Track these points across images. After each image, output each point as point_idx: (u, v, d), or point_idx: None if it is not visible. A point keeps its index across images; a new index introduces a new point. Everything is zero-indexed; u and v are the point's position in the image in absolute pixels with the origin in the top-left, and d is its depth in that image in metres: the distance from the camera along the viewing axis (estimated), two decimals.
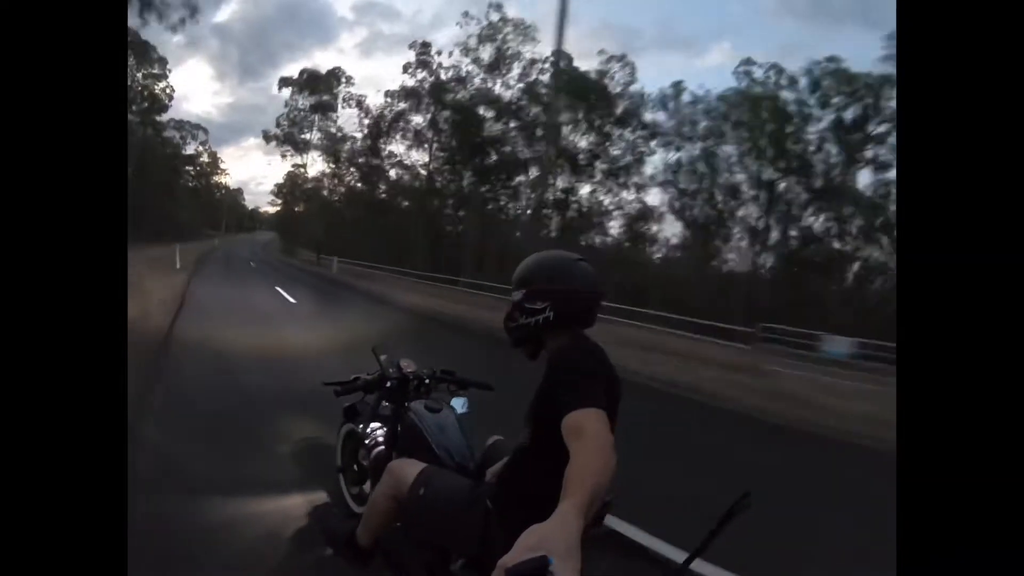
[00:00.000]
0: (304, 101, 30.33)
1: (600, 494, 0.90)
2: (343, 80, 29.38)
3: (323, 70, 30.20)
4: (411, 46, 26.75)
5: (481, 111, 23.82)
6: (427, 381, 2.03)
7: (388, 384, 1.98)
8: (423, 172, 25.80)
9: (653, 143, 22.97)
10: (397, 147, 27.00)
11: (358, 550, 1.70)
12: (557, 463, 0.95)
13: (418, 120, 25.96)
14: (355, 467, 2.26)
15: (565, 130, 21.98)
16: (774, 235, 21.01)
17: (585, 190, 23.95)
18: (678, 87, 22.58)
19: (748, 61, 21.49)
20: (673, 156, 22.61)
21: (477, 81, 24.53)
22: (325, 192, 30.17)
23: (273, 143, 31.93)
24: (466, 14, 25.21)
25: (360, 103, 28.44)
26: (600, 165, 23.29)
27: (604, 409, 1.06)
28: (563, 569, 0.65)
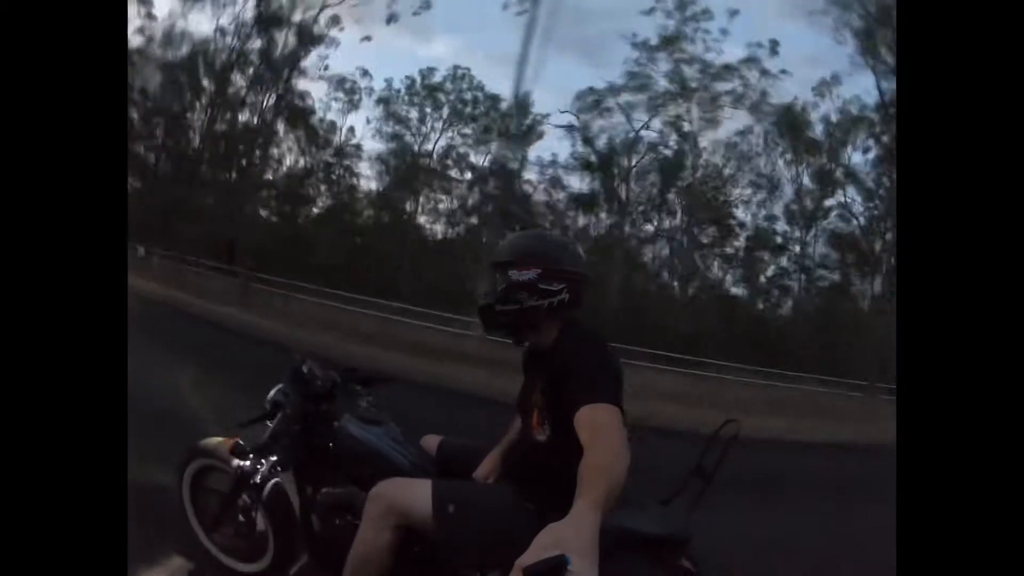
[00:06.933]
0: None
1: (616, 490, 0.88)
2: None
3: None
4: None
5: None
6: (333, 387, 1.72)
7: (292, 408, 1.65)
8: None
9: None
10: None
11: None
12: (576, 456, 0.92)
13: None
14: (239, 517, 1.74)
15: None
16: None
17: None
18: None
19: None
20: None
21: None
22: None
23: None
24: None
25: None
26: None
27: (618, 405, 1.03)
28: (581, 567, 0.64)
